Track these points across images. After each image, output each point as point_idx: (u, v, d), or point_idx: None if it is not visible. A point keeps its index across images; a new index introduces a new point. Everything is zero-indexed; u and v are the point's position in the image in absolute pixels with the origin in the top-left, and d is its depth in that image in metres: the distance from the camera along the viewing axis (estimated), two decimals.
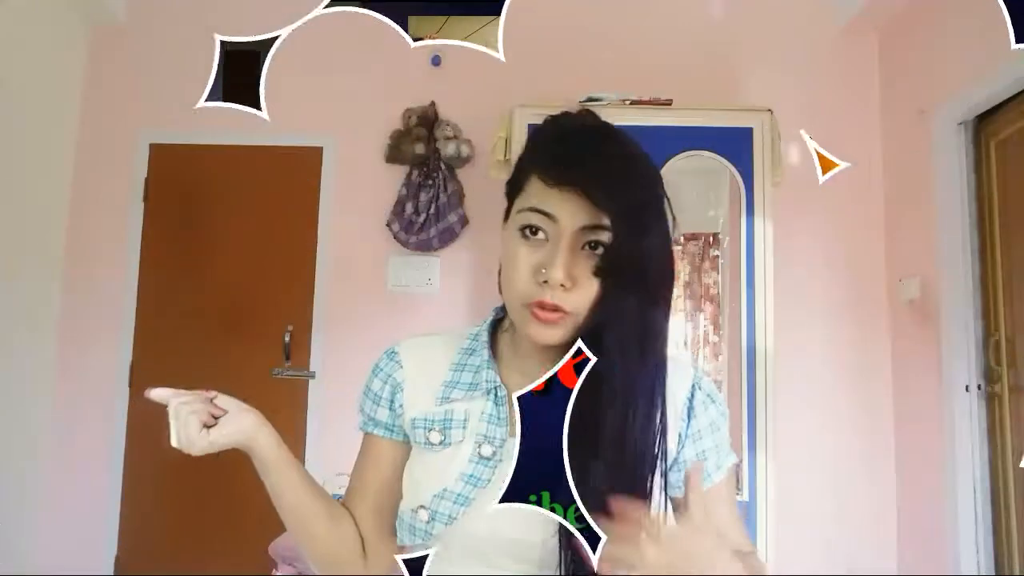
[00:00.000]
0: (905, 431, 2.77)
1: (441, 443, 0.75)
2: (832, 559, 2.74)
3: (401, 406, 0.80)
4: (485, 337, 0.80)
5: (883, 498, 2.79)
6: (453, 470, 0.73)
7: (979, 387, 2.39)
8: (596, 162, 0.67)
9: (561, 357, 0.76)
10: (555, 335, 0.69)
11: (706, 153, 2.44)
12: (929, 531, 2.56)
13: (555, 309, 0.67)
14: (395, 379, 0.81)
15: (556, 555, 0.70)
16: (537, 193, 0.69)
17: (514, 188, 0.74)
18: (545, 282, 0.67)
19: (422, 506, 0.72)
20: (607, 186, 0.65)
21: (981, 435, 2.39)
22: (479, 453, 0.73)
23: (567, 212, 0.67)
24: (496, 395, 0.76)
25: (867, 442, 2.83)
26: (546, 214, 0.68)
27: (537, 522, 0.70)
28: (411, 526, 0.73)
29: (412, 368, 0.81)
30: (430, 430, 0.76)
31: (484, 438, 0.74)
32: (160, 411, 0.73)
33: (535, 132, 0.74)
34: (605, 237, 0.67)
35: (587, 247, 0.68)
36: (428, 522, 0.71)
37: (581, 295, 0.67)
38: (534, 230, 0.69)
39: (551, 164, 0.68)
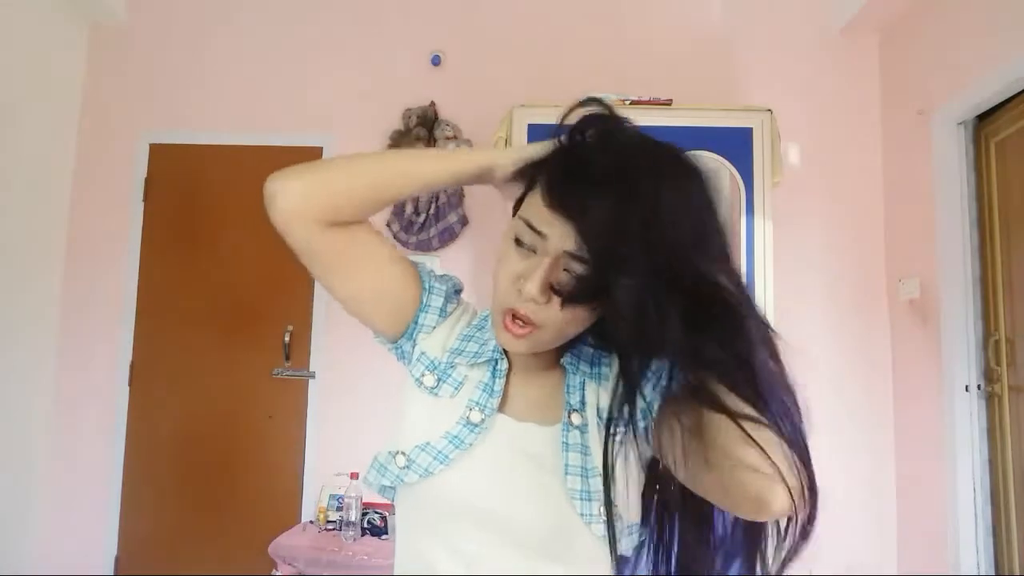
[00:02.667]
0: (905, 431, 2.77)
1: (431, 390, 0.78)
2: (832, 559, 2.73)
3: (431, 327, 0.81)
4: None
5: (883, 498, 2.79)
6: (440, 427, 0.75)
7: (979, 387, 2.39)
8: (594, 196, 0.64)
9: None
10: (520, 345, 0.72)
11: (706, 153, 2.44)
12: (929, 531, 2.56)
13: (525, 322, 0.69)
14: (446, 309, 0.83)
15: (539, 540, 0.71)
16: (536, 207, 0.69)
17: (529, 181, 0.73)
18: (520, 292, 0.68)
19: (402, 452, 0.74)
20: (594, 224, 0.64)
21: (981, 435, 2.39)
22: (468, 418, 0.75)
23: (557, 233, 0.67)
24: (496, 366, 0.78)
25: (867, 442, 2.83)
26: (537, 232, 0.68)
27: (523, 500, 0.72)
28: (383, 466, 0.75)
29: (455, 315, 0.84)
30: (429, 371, 0.79)
31: (476, 404, 0.76)
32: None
33: (557, 133, 0.71)
34: (582, 269, 0.66)
35: (571, 270, 0.68)
36: (403, 468, 0.73)
37: (553, 312, 0.68)
38: (527, 240, 0.70)
39: (554, 185, 0.68)
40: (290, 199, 0.73)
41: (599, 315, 0.71)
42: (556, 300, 0.68)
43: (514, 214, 0.76)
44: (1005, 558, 2.31)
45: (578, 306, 0.67)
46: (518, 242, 0.70)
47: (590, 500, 0.71)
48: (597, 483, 0.71)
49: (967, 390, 2.40)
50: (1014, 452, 2.28)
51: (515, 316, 0.69)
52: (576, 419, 0.75)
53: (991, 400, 2.38)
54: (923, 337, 2.61)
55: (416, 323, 0.81)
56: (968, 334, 2.41)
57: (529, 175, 0.73)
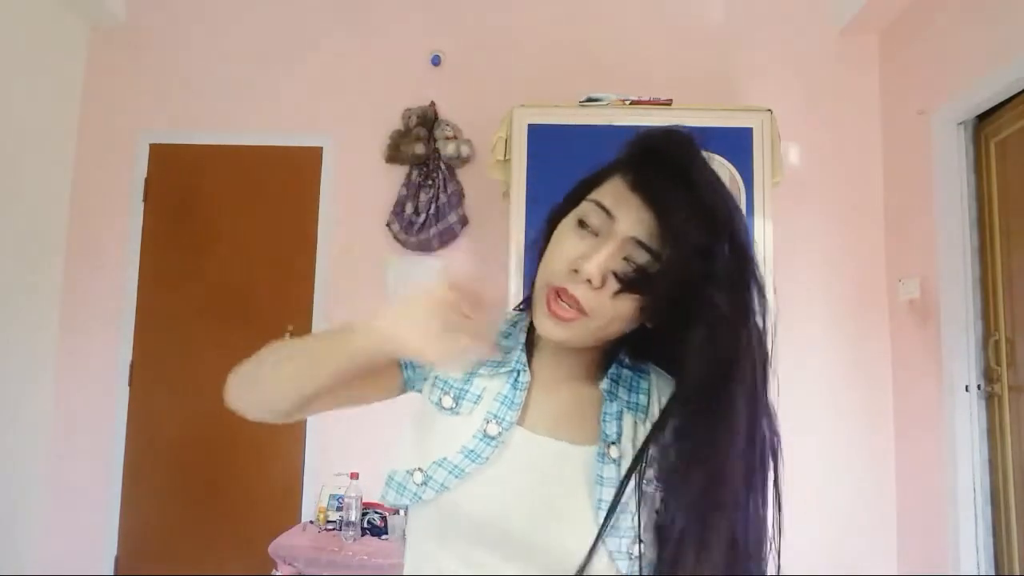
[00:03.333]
0: (905, 431, 2.77)
1: (451, 410, 0.76)
2: (832, 559, 2.74)
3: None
4: (524, 323, 0.79)
5: (883, 498, 2.79)
6: (456, 442, 0.73)
7: (979, 387, 2.39)
8: (685, 188, 0.64)
9: (580, 356, 0.75)
10: (563, 333, 0.68)
11: (706, 153, 2.44)
12: (929, 531, 2.56)
13: (573, 303, 0.66)
14: None
15: (551, 559, 0.69)
16: (613, 190, 0.68)
17: (587, 184, 0.72)
18: (576, 272, 0.66)
19: (419, 469, 0.73)
20: (677, 213, 0.63)
21: (981, 435, 2.39)
22: (485, 431, 0.73)
23: (629, 217, 0.65)
24: (517, 378, 0.76)
25: (867, 442, 2.83)
26: (607, 211, 0.66)
27: (540, 518, 0.70)
28: (401, 485, 0.73)
29: None
30: (445, 393, 0.77)
31: (494, 417, 0.74)
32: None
33: (639, 138, 0.71)
34: (645, 261, 0.65)
35: (632, 260, 0.65)
36: (420, 485, 0.72)
37: (603, 300, 0.66)
38: (591, 225, 0.67)
39: (641, 168, 0.66)
40: (242, 410, 0.76)
41: (642, 320, 0.69)
42: (608, 289, 0.65)
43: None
44: (1005, 558, 2.30)
45: (634, 295, 0.65)
46: (581, 224, 0.68)
47: (620, 537, 0.68)
48: (628, 520, 0.69)
49: (967, 390, 2.40)
50: (1014, 452, 2.28)
51: (561, 297, 0.66)
52: (614, 452, 0.72)
53: (991, 400, 2.38)
54: (923, 337, 2.61)
55: (411, 379, 0.80)
56: (968, 334, 2.41)
57: (602, 172, 0.72)
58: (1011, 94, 2.26)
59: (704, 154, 0.70)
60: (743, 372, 0.65)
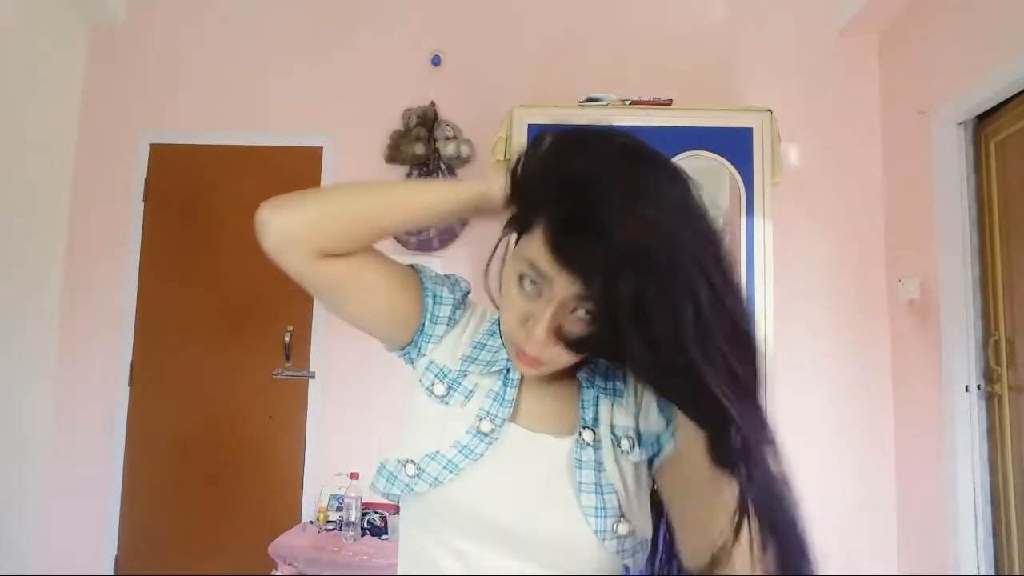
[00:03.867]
0: (905, 431, 2.77)
1: (440, 399, 0.78)
2: (832, 559, 2.73)
3: (439, 337, 0.81)
4: None
5: (883, 498, 2.79)
6: (450, 436, 0.74)
7: (979, 387, 2.39)
8: (602, 242, 0.58)
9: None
10: (535, 371, 0.72)
11: (706, 153, 2.44)
12: (929, 531, 2.56)
13: (535, 359, 0.69)
14: (455, 317, 0.82)
15: (553, 552, 0.71)
16: (539, 250, 0.64)
17: (524, 215, 0.69)
18: (527, 333, 0.68)
19: (411, 461, 0.74)
20: (602, 282, 0.59)
21: (981, 435, 2.39)
22: (478, 427, 0.75)
23: (563, 279, 0.64)
24: (507, 375, 0.78)
25: (867, 442, 2.83)
26: (543, 274, 0.65)
27: (533, 512, 0.71)
28: (392, 475, 0.74)
29: (464, 321, 0.84)
30: (439, 380, 0.79)
31: (486, 413, 0.76)
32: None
33: (554, 157, 0.64)
34: (590, 308, 0.65)
35: (579, 310, 0.66)
36: (412, 477, 0.73)
37: (559, 350, 0.67)
38: (531, 281, 0.67)
39: (558, 233, 0.62)
40: (282, 229, 0.71)
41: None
42: (561, 342, 0.67)
43: (503, 233, 0.75)
44: (1005, 558, 2.31)
45: (585, 351, 0.68)
46: (521, 282, 0.68)
47: (605, 517, 0.70)
48: (613, 500, 0.71)
49: (967, 390, 2.40)
50: (1014, 452, 2.28)
51: (524, 353, 0.69)
52: (588, 436, 0.75)
53: (991, 400, 2.38)
54: (923, 337, 2.61)
55: (422, 331, 0.81)
56: (968, 334, 2.41)
57: (528, 210, 0.68)
58: (1011, 94, 2.25)
59: (642, 156, 0.63)
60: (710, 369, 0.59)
